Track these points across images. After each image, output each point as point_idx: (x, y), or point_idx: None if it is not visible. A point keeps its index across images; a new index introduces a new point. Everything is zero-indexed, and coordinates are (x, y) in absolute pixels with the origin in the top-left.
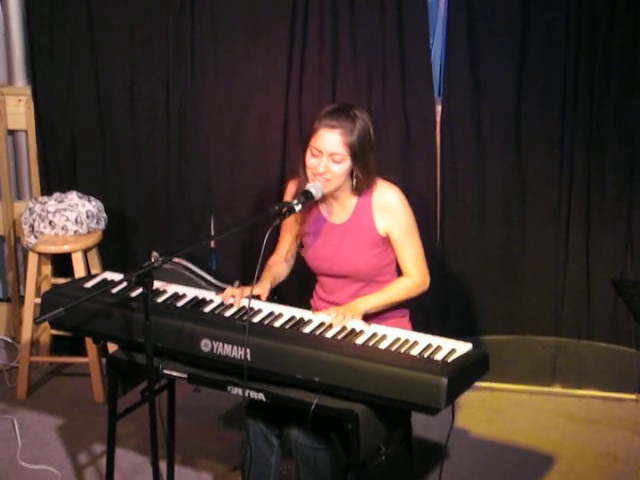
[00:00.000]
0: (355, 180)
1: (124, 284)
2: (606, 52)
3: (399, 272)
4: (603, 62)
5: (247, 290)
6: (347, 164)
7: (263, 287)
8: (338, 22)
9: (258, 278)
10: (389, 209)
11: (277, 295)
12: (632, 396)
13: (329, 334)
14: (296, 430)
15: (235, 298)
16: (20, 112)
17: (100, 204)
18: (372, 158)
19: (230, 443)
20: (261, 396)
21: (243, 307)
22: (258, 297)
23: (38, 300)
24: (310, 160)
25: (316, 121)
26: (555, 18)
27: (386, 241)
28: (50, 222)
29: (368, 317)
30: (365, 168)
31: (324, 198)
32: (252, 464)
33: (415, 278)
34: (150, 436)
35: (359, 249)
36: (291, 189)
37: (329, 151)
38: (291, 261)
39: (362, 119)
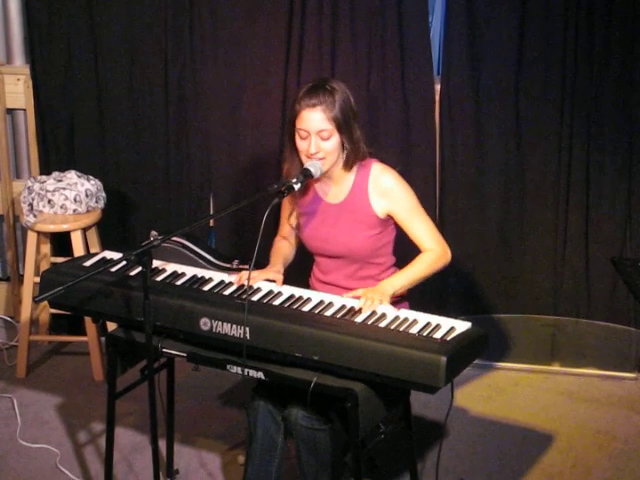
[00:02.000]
0: (345, 152)
1: (123, 263)
2: (606, 30)
3: (395, 253)
4: (603, 40)
5: (262, 274)
6: (336, 138)
7: (278, 271)
8: (337, 1)
9: (258, 259)
10: (387, 192)
11: None
12: (631, 374)
13: (328, 312)
14: (296, 409)
15: (252, 281)
16: (19, 91)
17: (99, 183)
18: (356, 127)
19: (230, 422)
20: (260, 375)
21: (242, 285)
22: (273, 282)
23: (37, 279)
24: (300, 143)
25: (296, 103)
26: None
27: (385, 222)
28: (49, 201)
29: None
30: (351, 138)
31: (320, 178)
32: (260, 444)
33: (436, 250)
34: (149, 415)
35: (354, 230)
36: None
37: (315, 129)
38: (294, 241)
39: (340, 91)
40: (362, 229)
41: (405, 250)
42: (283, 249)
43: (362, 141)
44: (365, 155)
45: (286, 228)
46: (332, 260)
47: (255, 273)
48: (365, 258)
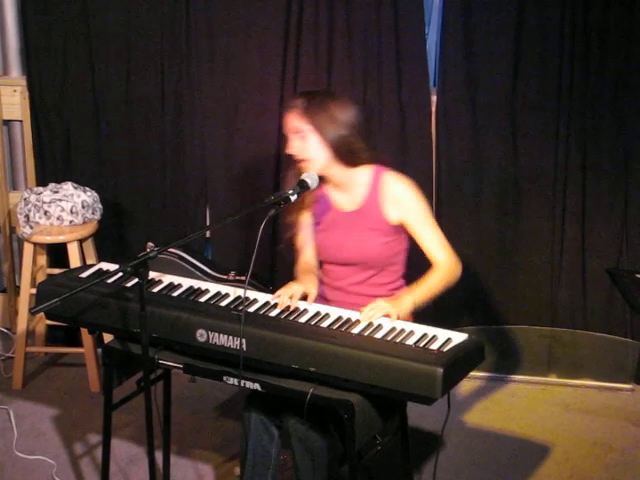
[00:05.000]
0: (334, 154)
1: (119, 274)
2: (601, 42)
3: (408, 262)
4: (598, 53)
5: (298, 291)
6: (314, 139)
7: (313, 282)
8: (333, 12)
9: (254, 271)
10: (400, 200)
11: (272, 286)
12: (627, 386)
13: (325, 324)
14: (293, 420)
15: (292, 300)
16: (15, 102)
17: (95, 194)
18: (340, 126)
19: (226, 433)
20: (257, 386)
21: (239, 297)
22: (306, 297)
23: (34, 290)
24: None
25: None
26: (551, 9)
27: (397, 230)
28: (45, 212)
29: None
30: (334, 138)
31: (333, 186)
32: (252, 454)
33: (447, 263)
34: (146, 426)
35: (369, 237)
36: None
37: (290, 129)
38: (316, 262)
39: (321, 96)
40: (376, 236)
41: (418, 262)
42: (310, 270)
43: (358, 142)
44: (367, 155)
45: (305, 252)
46: (345, 268)
47: (295, 287)
48: (379, 265)
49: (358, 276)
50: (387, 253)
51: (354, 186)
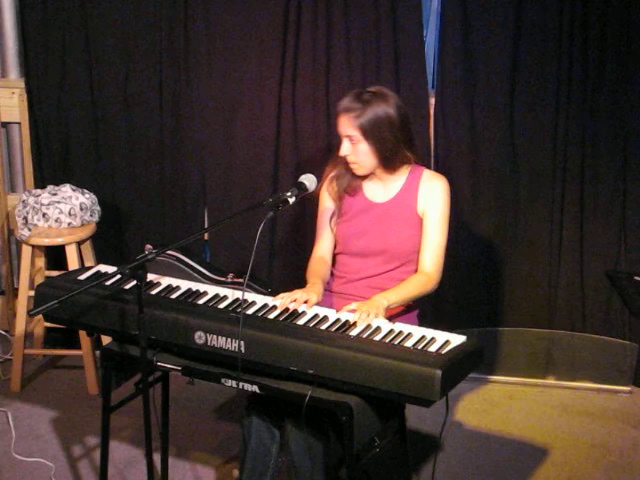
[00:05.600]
0: (381, 158)
1: (118, 276)
2: (600, 45)
3: None
4: (597, 55)
5: (302, 295)
6: (365, 145)
7: (317, 292)
8: (332, 16)
9: (252, 273)
10: (432, 191)
11: (271, 288)
12: (626, 388)
13: (323, 326)
14: (292, 421)
15: (293, 304)
16: (13, 105)
17: (94, 197)
18: (390, 137)
19: (224, 435)
20: (255, 388)
21: (237, 299)
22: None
23: (32, 293)
24: (340, 146)
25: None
26: (549, 10)
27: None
28: (44, 215)
29: None
30: (382, 147)
31: (371, 177)
32: (253, 453)
33: (432, 276)
34: (144, 428)
35: (396, 228)
36: (328, 173)
37: (344, 134)
38: (330, 257)
39: (377, 101)
40: (405, 228)
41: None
42: (321, 270)
43: (404, 150)
44: (409, 160)
45: (324, 243)
46: (364, 259)
47: (298, 294)
48: (401, 258)
49: (376, 269)
50: (411, 247)
51: (391, 180)
